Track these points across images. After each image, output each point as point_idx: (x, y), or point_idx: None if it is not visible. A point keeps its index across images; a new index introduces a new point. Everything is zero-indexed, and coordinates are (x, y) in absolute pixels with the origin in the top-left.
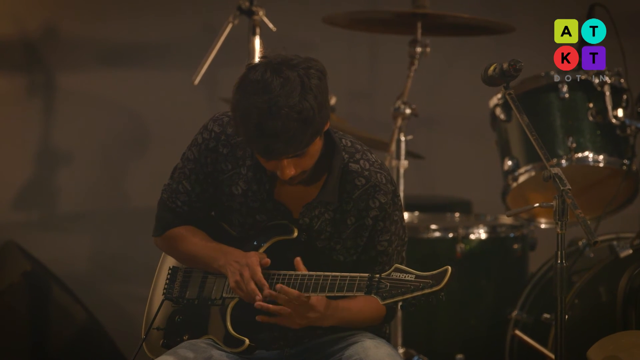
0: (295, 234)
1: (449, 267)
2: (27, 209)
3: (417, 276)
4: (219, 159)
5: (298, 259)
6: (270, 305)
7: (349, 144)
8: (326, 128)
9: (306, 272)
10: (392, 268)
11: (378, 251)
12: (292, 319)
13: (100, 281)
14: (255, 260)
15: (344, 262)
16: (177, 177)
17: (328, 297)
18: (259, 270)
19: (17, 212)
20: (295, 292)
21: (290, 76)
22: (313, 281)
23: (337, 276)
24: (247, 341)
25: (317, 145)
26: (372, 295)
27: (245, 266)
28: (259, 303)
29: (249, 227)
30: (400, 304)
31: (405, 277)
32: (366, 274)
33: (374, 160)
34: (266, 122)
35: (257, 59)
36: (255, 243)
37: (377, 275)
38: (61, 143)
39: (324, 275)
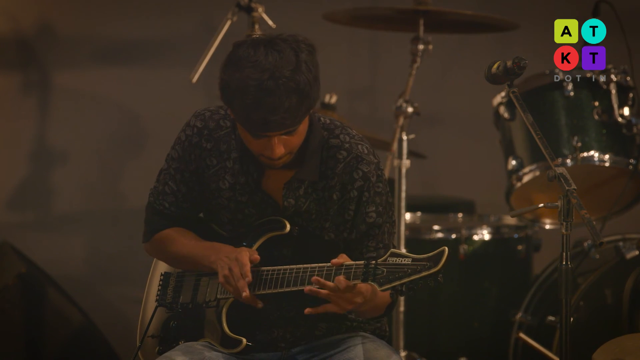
0: (288, 228)
1: (446, 248)
2: (21, 209)
3: (413, 259)
4: (203, 154)
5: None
6: (321, 290)
7: (328, 121)
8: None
9: (301, 266)
10: (388, 253)
11: (368, 224)
12: (340, 305)
13: (96, 283)
14: (245, 255)
15: (335, 240)
16: (162, 179)
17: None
18: (248, 265)
19: (12, 212)
20: (344, 282)
21: (284, 49)
22: (308, 274)
23: (332, 267)
24: (244, 341)
25: (305, 123)
26: (369, 282)
27: (234, 261)
28: (309, 288)
29: (238, 224)
30: (399, 289)
31: (401, 261)
32: (362, 261)
33: (354, 134)
34: (264, 95)
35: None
36: (244, 244)
37: (373, 262)
38: (56, 142)
39: (319, 267)
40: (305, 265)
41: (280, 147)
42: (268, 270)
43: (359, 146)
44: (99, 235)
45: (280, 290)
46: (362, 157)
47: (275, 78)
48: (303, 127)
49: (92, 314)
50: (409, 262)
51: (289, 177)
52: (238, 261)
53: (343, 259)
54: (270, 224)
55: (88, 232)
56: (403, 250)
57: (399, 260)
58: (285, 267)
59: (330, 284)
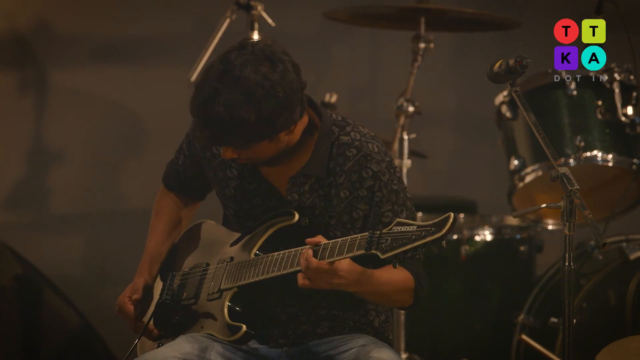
0: (296, 218)
1: (452, 214)
2: (18, 209)
3: (418, 226)
4: (207, 144)
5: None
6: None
7: (340, 118)
8: (291, 131)
9: (292, 249)
10: (394, 222)
11: (385, 224)
12: (315, 283)
13: (94, 284)
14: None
15: (341, 237)
16: (181, 143)
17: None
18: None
19: (9, 213)
20: (315, 262)
21: (250, 81)
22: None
23: (337, 241)
24: (244, 327)
25: (267, 147)
26: (372, 251)
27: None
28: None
29: (245, 215)
30: (401, 256)
31: (406, 229)
32: (366, 233)
33: (365, 132)
34: (203, 107)
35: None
36: (252, 237)
37: (378, 232)
38: (54, 142)
39: (324, 244)
40: (297, 248)
41: (229, 151)
42: (279, 255)
43: (370, 144)
44: (96, 236)
45: (274, 275)
46: (372, 155)
47: (219, 102)
48: (263, 149)
49: (90, 315)
50: (414, 229)
51: (294, 170)
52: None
53: (319, 238)
54: (278, 215)
55: (86, 233)
56: None
57: (403, 229)
58: (293, 249)
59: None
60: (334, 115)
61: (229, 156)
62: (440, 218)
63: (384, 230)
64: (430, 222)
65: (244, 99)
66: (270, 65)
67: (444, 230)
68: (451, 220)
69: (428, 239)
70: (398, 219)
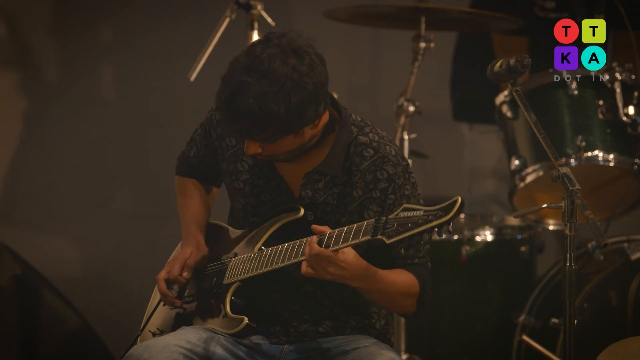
0: (302, 212)
1: (460, 197)
2: (17, 210)
3: (425, 211)
4: (223, 134)
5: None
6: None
7: (359, 119)
8: (316, 125)
9: (297, 240)
10: (401, 208)
11: None
12: (317, 271)
13: (92, 285)
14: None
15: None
16: (194, 134)
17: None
18: (162, 283)
19: (7, 213)
20: (316, 248)
21: (278, 73)
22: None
23: (343, 229)
24: (245, 319)
25: (292, 141)
26: (378, 236)
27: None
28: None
29: (252, 210)
30: (407, 241)
31: (414, 213)
32: (372, 219)
33: (384, 134)
34: (231, 100)
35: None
36: (257, 233)
37: (384, 217)
38: (53, 142)
39: (329, 233)
40: (302, 239)
41: (255, 147)
42: (284, 247)
43: (387, 147)
44: (95, 237)
45: (278, 266)
46: (388, 158)
47: (247, 93)
48: (287, 144)
49: (88, 315)
50: (421, 214)
51: (310, 167)
52: (158, 283)
53: (325, 228)
54: (284, 211)
55: (84, 234)
56: None
57: (410, 213)
58: (298, 240)
59: (312, 250)
60: (353, 116)
61: (253, 151)
62: (447, 202)
63: (391, 216)
64: (437, 206)
65: (274, 90)
66: (297, 58)
67: (451, 214)
68: (459, 203)
69: (435, 222)
70: (405, 205)
